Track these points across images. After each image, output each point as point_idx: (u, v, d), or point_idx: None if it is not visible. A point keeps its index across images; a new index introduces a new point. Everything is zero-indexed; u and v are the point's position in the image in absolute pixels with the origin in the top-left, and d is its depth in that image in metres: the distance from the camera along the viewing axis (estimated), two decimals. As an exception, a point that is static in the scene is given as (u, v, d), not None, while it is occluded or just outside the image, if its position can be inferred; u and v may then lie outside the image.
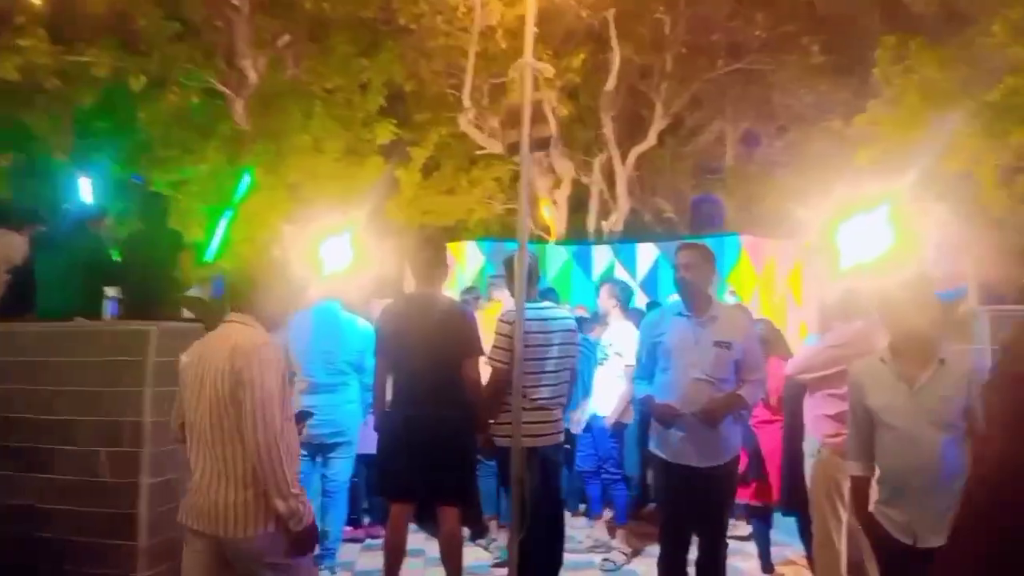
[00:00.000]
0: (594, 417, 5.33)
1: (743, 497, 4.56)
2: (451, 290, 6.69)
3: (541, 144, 3.52)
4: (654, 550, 4.02)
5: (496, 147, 12.84)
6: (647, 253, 9.66)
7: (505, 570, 3.50)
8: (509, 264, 3.97)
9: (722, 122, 15.28)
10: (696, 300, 3.77)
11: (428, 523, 5.17)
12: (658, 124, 13.69)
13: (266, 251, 7.86)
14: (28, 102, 8.68)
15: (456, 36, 11.77)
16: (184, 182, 9.78)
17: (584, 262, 9.86)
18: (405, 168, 13.29)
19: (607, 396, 5.24)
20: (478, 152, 13.57)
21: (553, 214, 13.74)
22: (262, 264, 2.97)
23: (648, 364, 3.89)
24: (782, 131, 15.18)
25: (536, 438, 3.86)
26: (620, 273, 9.31)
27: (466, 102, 12.18)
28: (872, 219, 4.59)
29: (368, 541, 5.57)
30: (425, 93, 12.91)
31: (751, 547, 4.86)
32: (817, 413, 3.89)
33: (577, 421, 5.30)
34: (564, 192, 13.74)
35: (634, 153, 13.91)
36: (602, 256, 9.90)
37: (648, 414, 3.96)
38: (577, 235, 13.71)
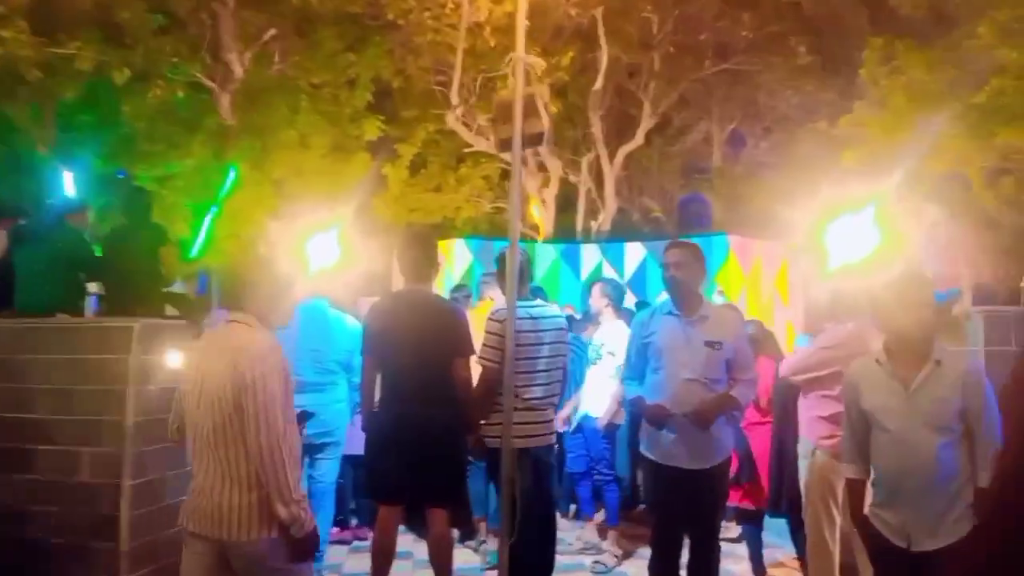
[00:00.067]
0: (586, 418, 5.30)
1: (733, 500, 4.55)
2: (439, 288, 6.64)
3: (534, 140, 3.47)
4: (645, 552, 4.00)
5: (484, 145, 12.81)
6: (635, 252, 9.68)
7: (495, 573, 3.45)
8: (502, 261, 3.91)
9: (709, 122, 15.32)
10: (686, 299, 3.74)
11: (417, 525, 5.11)
12: (646, 124, 13.70)
13: (254, 248, 7.77)
14: (10, 94, 8.52)
15: (444, 33, 11.69)
16: (169, 177, 9.63)
17: (572, 261, 9.86)
18: (392, 165, 13.21)
19: (600, 396, 5.20)
20: (466, 150, 13.52)
21: (542, 213, 13.72)
22: (258, 262, 2.92)
23: (637, 364, 3.85)
24: (768, 132, 15.25)
25: (528, 439, 3.82)
26: (608, 272, 9.33)
27: (454, 99, 12.12)
28: (859, 219, 4.59)
29: (356, 543, 5.51)
30: (413, 90, 12.83)
31: (742, 549, 4.84)
32: (811, 415, 3.87)
33: (563, 419, 5.26)
34: (552, 191, 13.72)
35: (622, 152, 13.91)
36: (590, 255, 9.91)
37: (639, 415, 3.92)
38: (565, 234, 13.69)
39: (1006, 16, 8.43)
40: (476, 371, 3.97)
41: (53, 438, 3.90)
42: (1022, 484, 1.57)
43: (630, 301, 7.94)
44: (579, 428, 5.37)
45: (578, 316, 6.89)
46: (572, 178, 14.53)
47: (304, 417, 3.10)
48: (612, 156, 13.93)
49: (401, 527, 4.20)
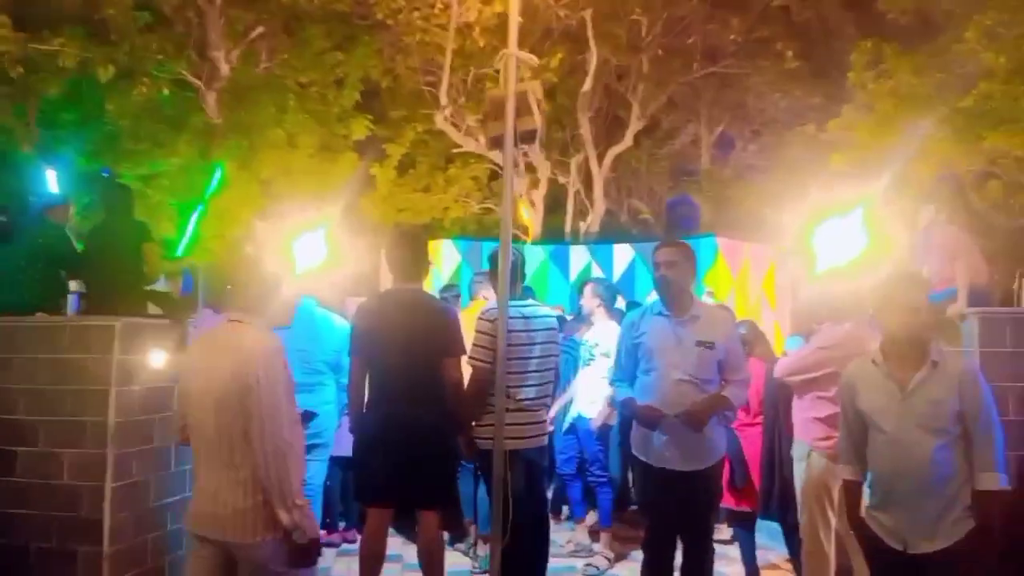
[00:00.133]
0: (579, 419, 5.25)
1: (725, 502, 4.52)
2: (428, 289, 6.58)
3: (527, 137, 3.43)
4: (638, 554, 3.95)
5: (472, 145, 12.77)
6: (623, 254, 9.68)
7: (487, 576, 3.40)
8: (494, 259, 3.85)
9: (697, 125, 15.37)
10: (677, 299, 3.69)
11: (406, 527, 5.05)
12: (635, 126, 13.73)
13: (241, 248, 7.70)
14: (-8, 91, 8.42)
15: (433, 33, 11.66)
16: (154, 176, 9.53)
17: (561, 262, 9.85)
18: (380, 165, 13.16)
19: (593, 398, 5.15)
20: (454, 150, 13.49)
21: (531, 214, 13.70)
22: (245, 262, 2.89)
23: (627, 366, 3.80)
24: (757, 135, 15.32)
25: (520, 440, 3.75)
26: (596, 273, 9.31)
27: (443, 100, 12.09)
28: (847, 222, 4.59)
29: (344, 546, 5.43)
30: (401, 89, 12.79)
31: (734, 551, 4.81)
32: (806, 416, 3.85)
33: (550, 419, 5.20)
34: (541, 192, 13.71)
35: (611, 154, 13.94)
36: (579, 257, 9.91)
37: (630, 417, 3.88)
38: (553, 236, 13.67)
39: (992, 20, 8.50)
40: (467, 372, 3.91)
41: (33, 440, 3.82)
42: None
43: (620, 303, 7.93)
44: (572, 429, 5.31)
45: (568, 317, 6.86)
46: (561, 179, 14.53)
47: (307, 417, 3.06)
48: (601, 158, 13.95)
49: (390, 529, 4.12)
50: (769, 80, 13.64)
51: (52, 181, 7.16)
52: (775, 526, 4.66)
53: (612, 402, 4.81)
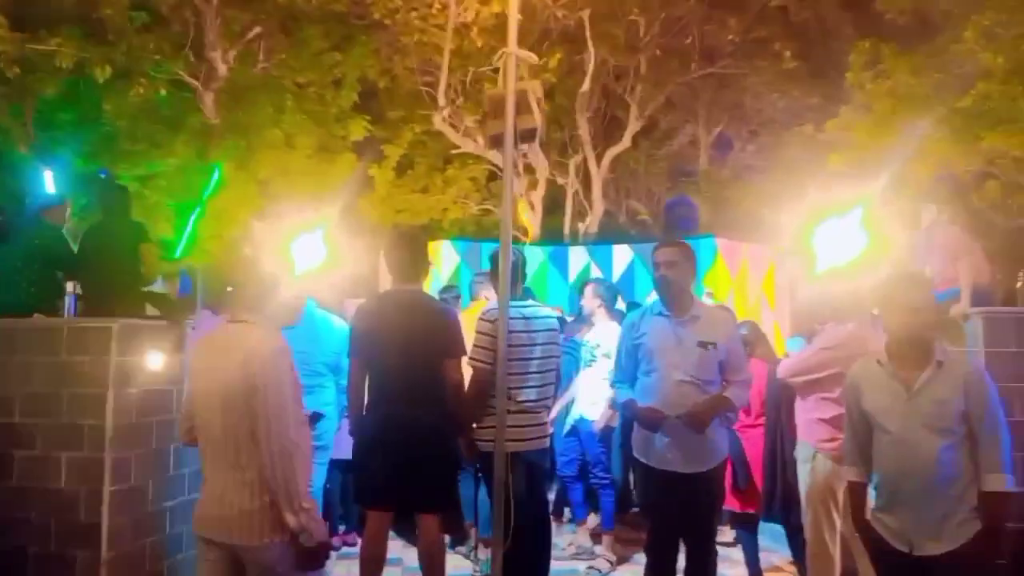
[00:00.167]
0: (581, 420, 5.22)
1: (729, 504, 4.49)
2: (427, 290, 6.55)
3: (527, 136, 3.41)
4: (640, 557, 3.93)
5: (471, 146, 12.75)
6: (622, 255, 9.66)
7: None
8: (495, 260, 3.82)
9: (695, 125, 15.36)
10: (677, 299, 3.67)
11: (406, 530, 5.02)
12: (633, 126, 13.71)
13: (239, 248, 7.66)
14: (-12, 92, 8.38)
15: (431, 33, 11.63)
16: (151, 177, 9.49)
17: (560, 263, 9.83)
18: (379, 166, 13.12)
19: (595, 399, 5.11)
20: (453, 151, 13.45)
21: (530, 215, 13.68)
22: (244, 262, 2.86)
23: (628, 367, 3.78)
24: (755, 135, 15.31)
25: (521, 442, 3.72)
26: (595, 274, 9.29)
27: (441, 100, 12.05)
28: (846, 222, 4.58)
29: (344, 549, 5.40)
30: (399, 90, 12.76)
31: (737, 553, 4.78)
32: (811, 417, 3.82)
33: (551, 420, 5.17)
34: (539, 193, 13.68)
35: (609, 155, 13.91)
36: (578, 258, 9.89)
37: (631, 419, 3.85)
38: (552, 237, 13.65)
39: (990, 20, 8.50)
40: (468, 373, 3.89)
41: (30, 443, 3.79)
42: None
43: (619, 304, 7.91)
44: (574, 431, 5.28)
45: (568, 318, 6.83)
46: (559, 180, 14.50)
47: (314, 419, 3.04)
48: (599, 158, 13.93)
49: (390, 532, 4.09)
50: (767, 80, 13.64)
51: (49, 182, 7.12)
52: (778, 528, 4.64)
53: (613, 404, 4.78)
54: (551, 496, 5.73)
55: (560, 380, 4.40)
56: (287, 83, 10.36)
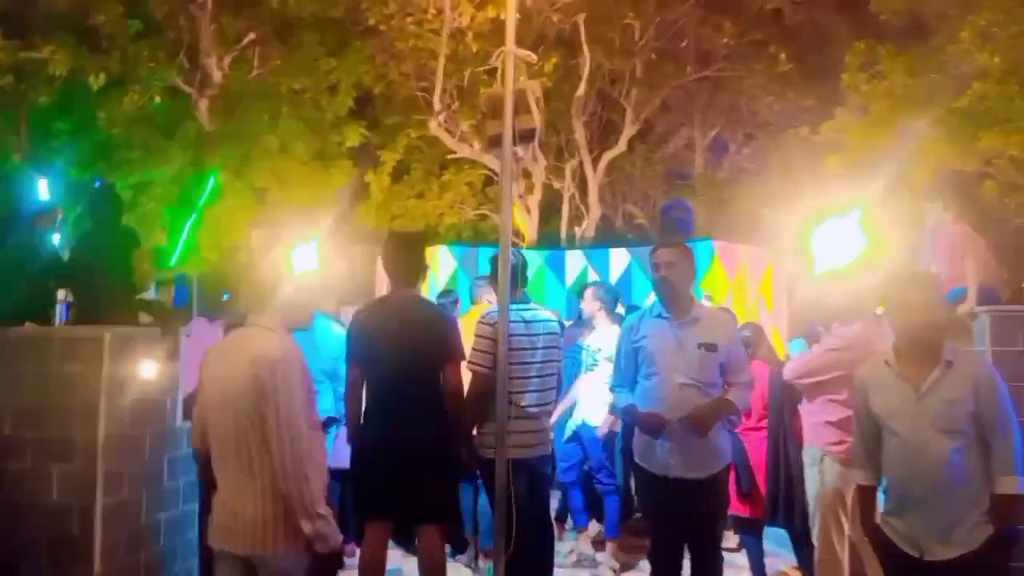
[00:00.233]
0: (583, 426, 5.14)
1: (733, 509, 4.43)
2: (425, 295, 6.49)
3: (526, 136, 3.36)
4: (644, 565, 3.86)
5: (467, 151, 12.71)
6: (620, 258, 9.60)
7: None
8: (495, 263, 3.76)
9: (691, 128, 15.36)
10: (677, 301, 3.60)
11: (405, 539, 4.94)
12: (629, 130, 13.70)
13: (237, 255, 7.61)
14: (-20, 100, 8.35)
15: (426, 38, 11.61)
16: (146, 184, 9.46)
17: (557, 267, 9.76)
18: (375, 172, 13.09)
19: (597, 404, 5.02)
20: (449, 156, 13.42)
21: (526, 219, 13.65)
22: (249, 266, 2.81)
23: (627, 371, 3.70)
24: (751, 138, 15.31)
25: (523, 448, 3.65)
26: (592, 278, 9.23)
27: (436, 105, 12.02)
28: (844, 224, 4.55)
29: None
30: (395, 96, 12.73)
31: (742, 559, 4.72)
32: (818, 420, 3.76)
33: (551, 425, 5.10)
34: (536, 197, 13.65)
35: (605, 158, 13.91)
36: (575, 262, 9.81)
37: (632, 424, 3.78)
38: (549, 241, 13.62)
39: (986, 20, 8.50)
40: (467, 378, 3.82)
41: (21, 455, 3.71)
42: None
43: (619, 308, 7.85)
44: (576, 436, 5.21)
45: (566, 322, 6.76)
46: (555, 184, 14.48)
47: (330, 423, 2.97)
48: (595, 162, 13.92)
49: (389, 542, 4.02)
50: (762, 83, 13.66)
51: (43, 190, 7.06)
52: (782, 532, 4.57)
53: (613, 409, 4.71)
54: (554, 503, 5.64)
55: (561, 385, 4.32)
56: (282, 89, 10.33)
